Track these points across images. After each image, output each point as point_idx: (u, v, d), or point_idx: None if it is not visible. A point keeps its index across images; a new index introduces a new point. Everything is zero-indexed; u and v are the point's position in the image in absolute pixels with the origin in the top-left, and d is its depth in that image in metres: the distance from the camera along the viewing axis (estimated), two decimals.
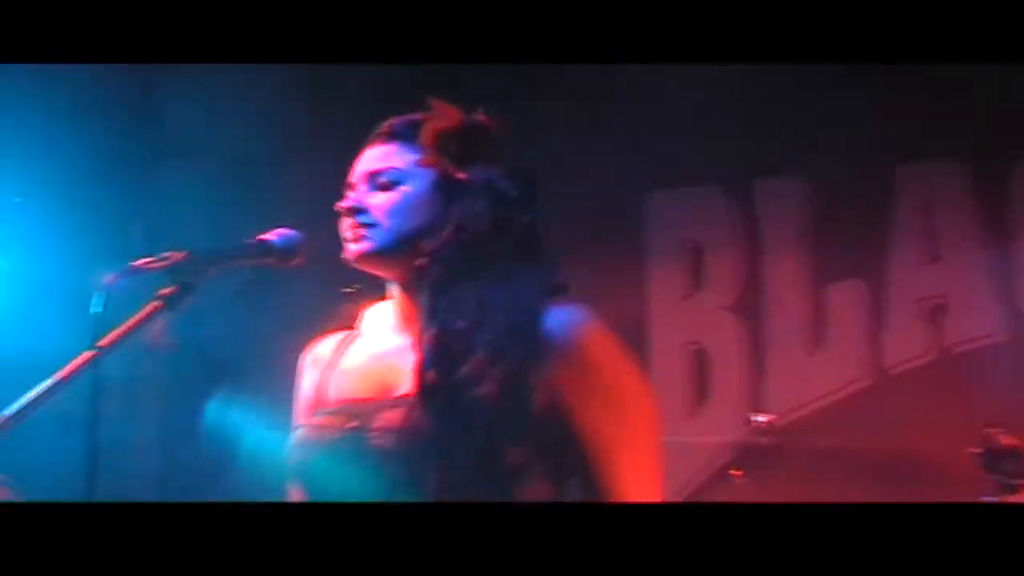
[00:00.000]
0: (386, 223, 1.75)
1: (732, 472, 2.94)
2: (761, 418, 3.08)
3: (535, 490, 1.63)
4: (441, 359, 1.66)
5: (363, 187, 1.80)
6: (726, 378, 3.84)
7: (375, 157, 1.83)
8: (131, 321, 1.56)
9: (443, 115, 1.80)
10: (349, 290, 1.83)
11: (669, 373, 3.87)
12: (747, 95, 3.58)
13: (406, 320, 1.80)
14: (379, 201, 1.77)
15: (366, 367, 1.82)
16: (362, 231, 1.75)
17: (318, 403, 1.83)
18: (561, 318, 1.68)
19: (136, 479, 3.76)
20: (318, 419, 1.78)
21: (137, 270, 1.61)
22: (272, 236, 1.76)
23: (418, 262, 1.72)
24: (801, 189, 3.84)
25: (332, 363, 1.86)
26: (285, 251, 1.75)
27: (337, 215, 1.79)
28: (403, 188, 1.78)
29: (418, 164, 1.77)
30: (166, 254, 1.63)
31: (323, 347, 1.92)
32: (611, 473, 1.62)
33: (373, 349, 1.84)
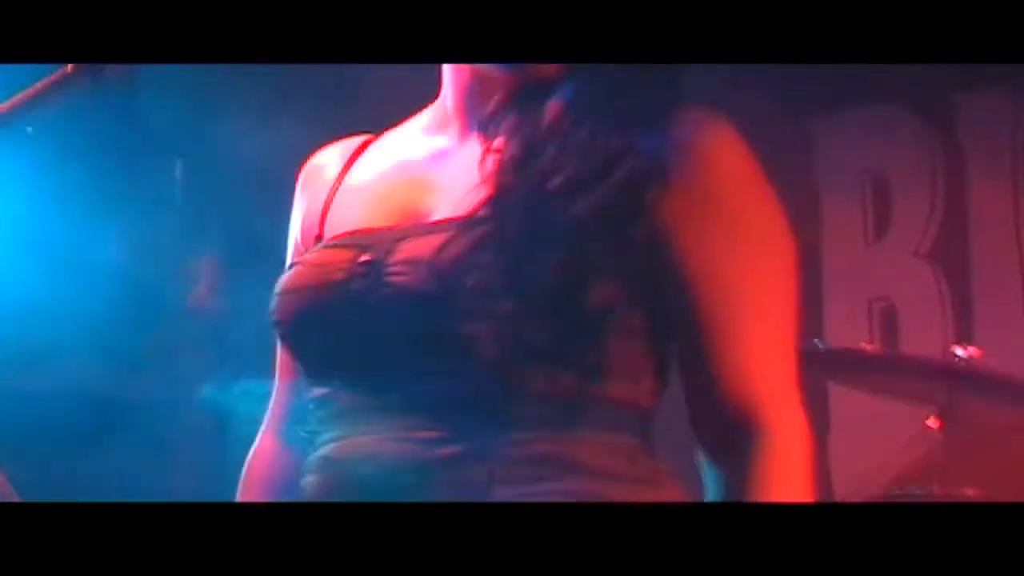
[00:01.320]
0: None
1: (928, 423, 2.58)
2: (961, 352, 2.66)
3: (620, 352, 1.32)
4: (514, 172, 1.35)
5: None
6: (922, 341, 3.41)
7: None
8: None
9: None
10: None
11: (851, 336, 3.44)
12: None
13: (457, 122, 1.46)
14: None
15: (385, 185, 1.49)
16: None
17: (317, 236, 1.50)
18: (686, 124, 1.35)
19: None
20: (315, 254, 1.44)
21: None
22: None
23: None
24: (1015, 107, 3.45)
25: (337, 181, 1.53)
26: None
27: None
28: None
29: None
30: None
31: (326, 159, 1.57)
32: (726, 344, 1.30)
33: (395, 160, 1.50)
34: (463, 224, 1.35)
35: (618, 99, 1.38)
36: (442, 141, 1.49)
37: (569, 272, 1.31)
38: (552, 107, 1.38)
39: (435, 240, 1.35)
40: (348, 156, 1.55)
